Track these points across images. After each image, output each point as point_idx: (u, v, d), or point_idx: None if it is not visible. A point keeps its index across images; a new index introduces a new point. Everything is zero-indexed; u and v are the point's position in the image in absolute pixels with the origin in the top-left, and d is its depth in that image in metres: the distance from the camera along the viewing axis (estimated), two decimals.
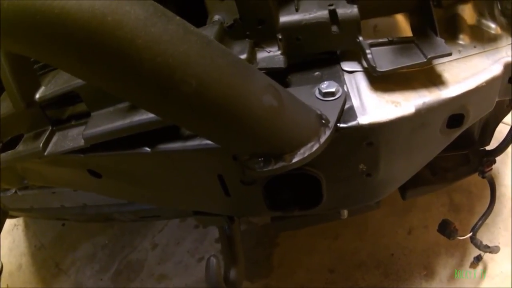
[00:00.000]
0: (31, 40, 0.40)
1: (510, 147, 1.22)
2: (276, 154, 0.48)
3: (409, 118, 0.61)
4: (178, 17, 0.42)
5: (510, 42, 0.81)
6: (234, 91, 0.42)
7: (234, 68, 0.43)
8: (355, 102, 0.60)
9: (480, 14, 0.83)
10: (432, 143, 0.72)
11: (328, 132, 0.52)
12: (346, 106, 0.58)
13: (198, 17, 0.72)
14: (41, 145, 0.76)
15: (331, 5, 0.61)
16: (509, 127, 0.99)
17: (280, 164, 0.48)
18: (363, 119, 0.57)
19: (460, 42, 0.79)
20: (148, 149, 0.66)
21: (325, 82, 0.58)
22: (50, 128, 0.79)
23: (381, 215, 1.57)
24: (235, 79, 0.42)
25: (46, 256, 1.83)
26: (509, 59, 0.76)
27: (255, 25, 0.62)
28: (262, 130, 0.45)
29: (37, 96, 0.76)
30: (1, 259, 1.82)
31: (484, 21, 0.83)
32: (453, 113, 0.68)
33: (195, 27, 0.43)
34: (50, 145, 0.77)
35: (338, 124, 0.56)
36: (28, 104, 0.76)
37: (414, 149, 0.68)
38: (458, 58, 0.74)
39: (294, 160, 0.48)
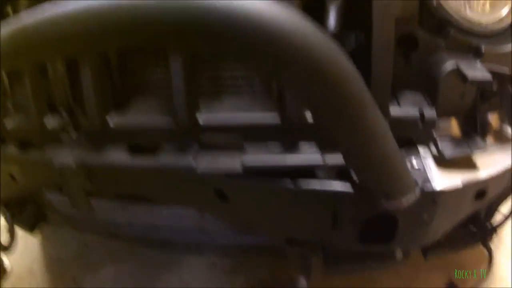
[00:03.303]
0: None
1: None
2: (395, 197, 0.93)
3: (458, 189, 1.06)
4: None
5: None
6: (396, 155, 0.88)
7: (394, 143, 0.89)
8: (428, 174, 1.05)
9: (502, 121, 1.33)
10: (463, 209, 1.18)
11: (418, 189, 0.97)
12: (424, 176, 1.03)
13: None
14: (194, 161, 1.02)
15: (420, 106, 1.07)
16: (509, 206, 1.47)
17: (397, 204, 0.93)
18: (435, 186, 1.02)
19: (487, 141, 1.25)
20: (292, 185, 1.01)
21: (413, 159, 1.04)
22: (198, 147, 1.05)
23: (386, 283, 1.98)
24: (396, 148, 0.88)
25: (62, 269, 2.08)
26: None
27: None
28: (397, 181, 0.90)
29: (200, 118, 1.03)
30: (11, 262, 2.05)
31: (504, 126, 1.33)
32: (480, 188, 1.14)
33: None
34: (200, 163, 1.02)
35: None
36: (191, 121, 1.02)
37: (454, 210, 1.14)
38: (486, 152, 1.18)
39: (404, 203, 0.93)
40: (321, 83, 0.75)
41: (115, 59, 1.17)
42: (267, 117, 1.03)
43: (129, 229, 1.46)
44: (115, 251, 2.13)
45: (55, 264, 2.14)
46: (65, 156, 1.14)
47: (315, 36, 0.74)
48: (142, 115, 1.10)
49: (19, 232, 1.72)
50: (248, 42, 0.73)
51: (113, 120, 1.10)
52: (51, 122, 1.12)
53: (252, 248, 1.34)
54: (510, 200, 1.45)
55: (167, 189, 1.15)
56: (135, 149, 1.10)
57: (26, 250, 2.20)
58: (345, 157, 0.93)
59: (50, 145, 1.18)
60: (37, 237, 2.24)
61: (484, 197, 1.17)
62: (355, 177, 0.98)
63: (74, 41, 0.85)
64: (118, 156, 1.11)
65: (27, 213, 1.62)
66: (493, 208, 1.58)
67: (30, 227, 1.71)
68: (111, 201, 1.36)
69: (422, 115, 1.06)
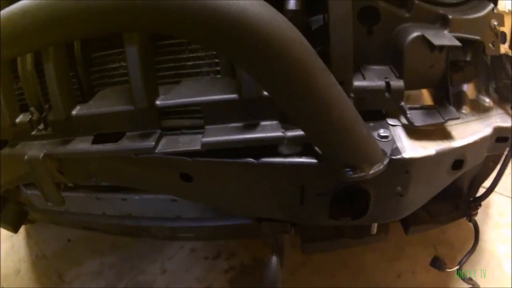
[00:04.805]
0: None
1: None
2: (360, 167, 0.93)
3: (431, 157, 1.05)
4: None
5: (499, 112, 1.31)
6: (357, 122, 0.87)
7: (354, 110, 0.88)
8: (398, 144, 1.05)
9: (478, 91, 1.33)
10: (441, 179, 1.18)
11: (387, 160, 0.97)
12: (393, 146, 1.03)
13: None
14: (153, 143, 1.03)
15: (386, 78, 1.07)
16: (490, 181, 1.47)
17: (362, 174, 0.93)
18: (405, 155, 1.02)
19: (463, 111, 1.26)
20: (253, 160, 1.02)
21: (381, 129, 1.04)
22: (160, 131, 1.07)
23: (373, 260, 2.02)
24: (356, 115, 0.88)
25: (47, 266, 2.12)
26: (497, 124, 1.24)
27: None
28: (360, 149, 0.90)
29: (158, 102, 1.04)
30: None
31: (481, 96, 1.32)
32: (457, 158, 1.14)
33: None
34: (159, 146, 1.05)
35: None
36: (150, 106, 1.03)
37: (430, 181, 1.13)
38: (461, 122, 1.20)
39: (370, 172, 0.93)
40: (265, 51, 0.75)
41: (79, 53, 1.20)
42: (226, 96, 1.02)
43: (104, 219, 1.47)
44: (98, 244, 2.17)
45: (41, 262, 2.18)
46: (34, 150, 1.16)
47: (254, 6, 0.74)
48: (104, 105, 1.11)
49: (5, 233, 1.81)
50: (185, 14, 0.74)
51: (77, 112, 1.12)
52: (21, 118, 1.19)
53: (230, 232, 1.34)
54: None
55: (135, 177, 1.16)
56: (103, 141, 1.11)
57: (12, 251, 2.25)
58: (303, 129, 0.92)
59: (22, 141, 1.23)
60: (22, 237, 2.29)
61: (462, 167, 1.18)
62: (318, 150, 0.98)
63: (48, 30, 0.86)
64: (82, 145, 1.11)
65: (10, 212, 1.65)
66: (476, 183, 1.58)
67: (14, 227, 1.74)
68: (83, 193, 1.41)
69: (388, 85, 1.06)
